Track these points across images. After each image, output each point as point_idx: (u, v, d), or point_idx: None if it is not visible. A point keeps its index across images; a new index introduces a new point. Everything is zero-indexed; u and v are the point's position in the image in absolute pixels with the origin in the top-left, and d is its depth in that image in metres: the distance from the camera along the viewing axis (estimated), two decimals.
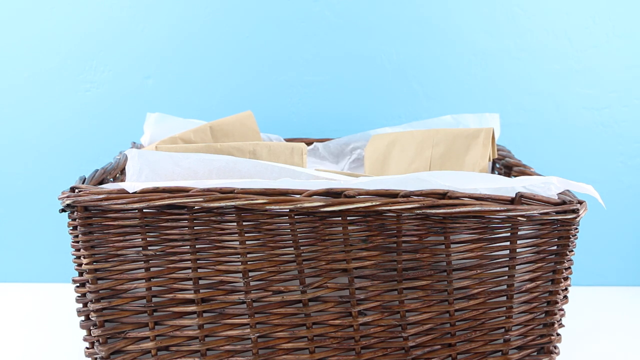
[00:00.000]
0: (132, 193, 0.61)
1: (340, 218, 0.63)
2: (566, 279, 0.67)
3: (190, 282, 0.65)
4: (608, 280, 1.09)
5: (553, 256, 0.66)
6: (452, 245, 0.64)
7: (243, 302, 0.65)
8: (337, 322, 0.65)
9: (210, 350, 0.66)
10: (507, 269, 0.65)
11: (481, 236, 0.64)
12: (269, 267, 0.64)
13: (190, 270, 0.64)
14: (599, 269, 1.08)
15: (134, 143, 0.94)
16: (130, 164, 0.68)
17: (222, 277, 0.64)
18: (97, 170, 0.73)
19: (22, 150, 1.06)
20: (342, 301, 0.65)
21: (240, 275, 0.64)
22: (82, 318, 0.67)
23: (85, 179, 0.70)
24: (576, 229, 0.65)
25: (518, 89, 1.05)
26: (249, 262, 0.64)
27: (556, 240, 0.65)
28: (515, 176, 0.81)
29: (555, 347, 0.69)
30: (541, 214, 0.62)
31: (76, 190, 0.63)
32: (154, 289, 0.65)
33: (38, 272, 1.09)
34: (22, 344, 0.86)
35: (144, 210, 0.63)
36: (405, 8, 1.04)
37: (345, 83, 1.06)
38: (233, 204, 0.60)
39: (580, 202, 0.64)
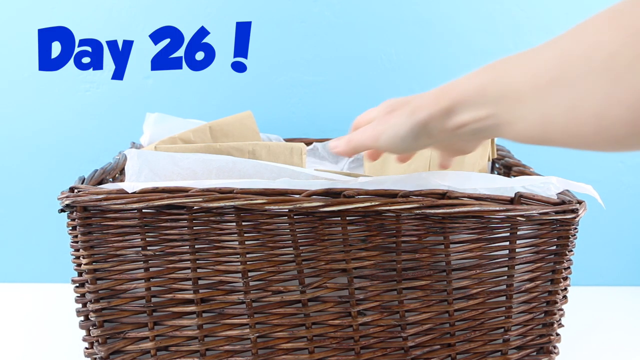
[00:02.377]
0: (132, 193, 0.61)
1: (339, 218, 0.63)
2: (565, 279, 0.67)
3: (190, 282, 0.65)
4: (608, 280, 1.09)
5: (552, 256, 0.66)
6: (452, 245, 0.64)
7: (242, 302, 0.65)
8: (337, 322, 0.65)
9: (209, 350, 0.66)
10: (506, 269, 0.65)
11: (480, 236, 0.64)
12: (268, 267, 0.64)
13: (189, 270, 0.64)
14: (598, 269, 1.08)
15: (134, 143, 0.94)
16: (130, 164, 0.67)
17: (221, 277, 0.64)
18: (96, 170, 0.73)
19: (22, 150, 1.06)
20: (341, 301, 0.65)
21: (240, 275, 0.64)
22: (82, 318, 0.67)
23: (84, 179, 0.70)
24: (575, 228, 0.65)
25: None
26: (248, 262, 0.64)
27: (555, 240, 0.65)
28: (514, 176, 0.81)
29: (555, 347, 0.69)
30: (540, 214, 0.62)
31: (75, 191, 0.63)
32: (153, 289, 0.65)
33: (38, 272, 1.09)
34: (22, 344, 0.86)
35: (143, 211, 0.63)
36: (405, 8, 1.04)
37: (345, 83, 1.06)
38: (232, 204, 0.60)
39: (580, 202, 0.64)
